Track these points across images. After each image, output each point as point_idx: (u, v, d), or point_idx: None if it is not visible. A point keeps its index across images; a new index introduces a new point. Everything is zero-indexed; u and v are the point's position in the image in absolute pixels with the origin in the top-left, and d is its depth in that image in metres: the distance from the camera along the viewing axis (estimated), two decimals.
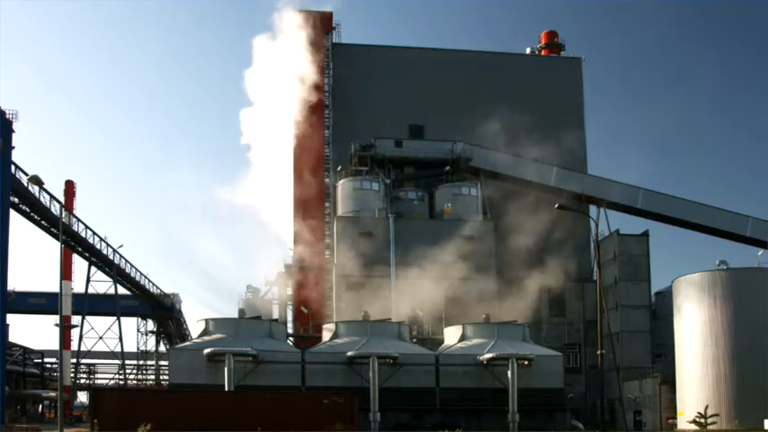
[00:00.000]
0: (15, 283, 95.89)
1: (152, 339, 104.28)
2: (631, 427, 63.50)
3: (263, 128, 76.42)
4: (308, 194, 70.56)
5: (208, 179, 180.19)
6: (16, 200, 56.66)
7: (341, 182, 70.95)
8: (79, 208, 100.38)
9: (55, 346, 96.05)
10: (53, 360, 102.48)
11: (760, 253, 60.15)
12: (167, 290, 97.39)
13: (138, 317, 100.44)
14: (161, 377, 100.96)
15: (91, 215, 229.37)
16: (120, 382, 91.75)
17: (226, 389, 45.93)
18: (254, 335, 51.72)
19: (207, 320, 53.08)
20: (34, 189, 56.47)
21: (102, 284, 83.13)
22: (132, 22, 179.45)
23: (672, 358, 60.49)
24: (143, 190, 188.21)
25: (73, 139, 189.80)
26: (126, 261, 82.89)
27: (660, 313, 73.78)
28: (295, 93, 73.75)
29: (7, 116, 53.04)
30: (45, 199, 59.12)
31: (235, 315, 57.94)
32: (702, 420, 26.61)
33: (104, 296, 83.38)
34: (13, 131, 53.22)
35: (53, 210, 59.98)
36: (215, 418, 37.33)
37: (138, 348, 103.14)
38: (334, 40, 78.50)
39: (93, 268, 79.63)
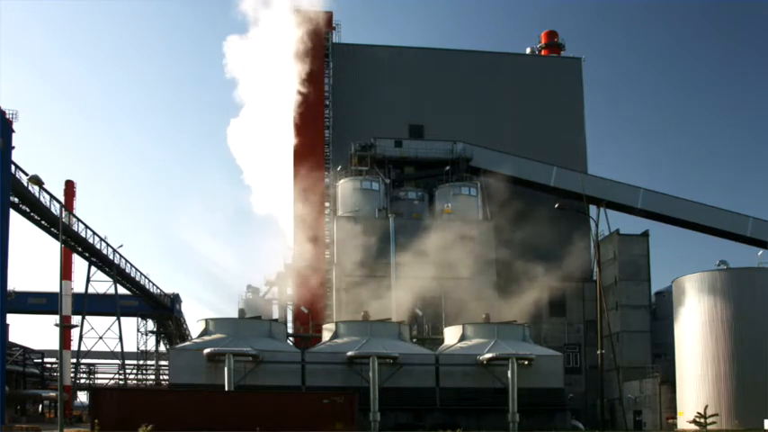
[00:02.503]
0: (15, 283, 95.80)
1: (152, 339, 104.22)
2: (631, 427, 63.49)
3: (262, 128, 76.42)
4: (309, 195, 70.52)
5: (208, 179, 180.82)
6: (16, 200, 56.59)
7: (341, 182, 70.95)
8: (79, 208, 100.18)
9: (55, 346, 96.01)
10: (53, 360, 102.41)
11: (760, 253, 60.13)
12: (167, 290, 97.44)
13: (138, 317, 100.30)
14: (161, 377, 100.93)
15: (91, 215, 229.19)
16: (120, 382, 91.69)
17: (226, 389, 45.94)
18: (254, 335, 51.73)
19: (207, 320, 53.10)
20: (34, 189, 56.40)
21: (102, 284, 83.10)
22: (132, 22, 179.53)
23: (672, 358, 60.48)
24: (143, 190, 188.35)
25: (73, 139, 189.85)
26: (126, 261, 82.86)
27: (660, 313, 73.75)
28: (294, 94, 73.73)
29: (7, 116, 52.97)
30: (45, 199, 59.06)
31: (235, 315, 57.94)
32: (702, 420, 26.59)
33: (104, 296, 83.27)
34: (13, 131, 53.14)
35: (53, 210, 59.91)
36: (215, 418, 37.36)
37: (138, 348, 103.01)
38: (334, 40, 78.53)
39: (93, 268, 79.54)
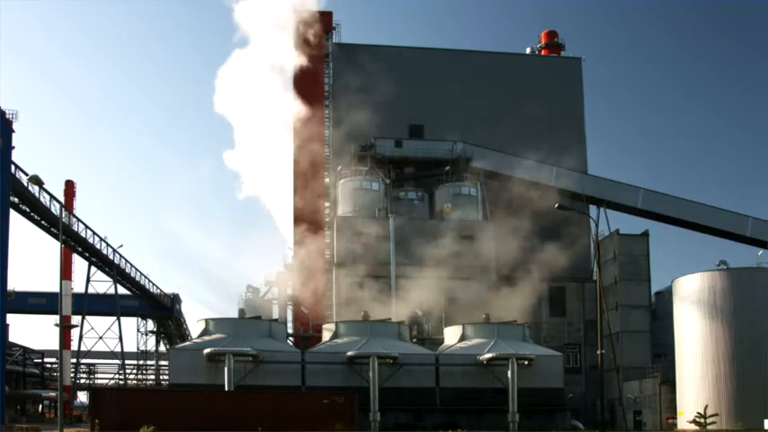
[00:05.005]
0: (15, 283, 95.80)
1: (152, 339, 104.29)
2: (631, 427, 63.49)
3: (262, 129, 76.41)
4: (309, 195, 70.52)
5: (208, 179, 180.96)
6: (16, 200, 56.61)
7: (341, 182, 70.92)
8: (79, 208, 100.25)
9: (55, 346, 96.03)
10: (53, 360, 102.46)
11: (760, 253, 60.11)
12: (167, 290, 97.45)
13: (138, 317, 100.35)
14: (161, 377, 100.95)
15: (91, 215, 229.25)
16: (120, 382, 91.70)
17: (226, 389, 45.94)
18: (254, 335, 51.74)
19: (207, 320, 53.11)
20: (34, 189, 56.43)
21: (102, 284, 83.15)
22: (132, 22, 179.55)
23: (672, 358, 60.47)
24: (143, 190, 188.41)
25: (73, 139, 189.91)
26: (126, 261, 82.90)
27: (660, 313, 73.74)
28: (293, 94, 73.71)
29: (7, 116, 52.99)
30: (45, 199, 59.08)
31: (235, 315, 57.96)
32: (702, 420, 26.61)
33: (104, 296, 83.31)
34: (13, 131, 53.17)
35: (53, 210, 59.93)
36: (215, 418, 37.36)
37: (138, 348, 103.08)
38: (334, 41, 78.53)
39: (93, 268, 79.57)
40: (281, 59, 73.66)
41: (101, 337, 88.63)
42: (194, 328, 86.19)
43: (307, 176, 72.55)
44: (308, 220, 69.33)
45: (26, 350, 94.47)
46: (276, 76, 74.99)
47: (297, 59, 73.52)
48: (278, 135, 76.46)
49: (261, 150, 76.40)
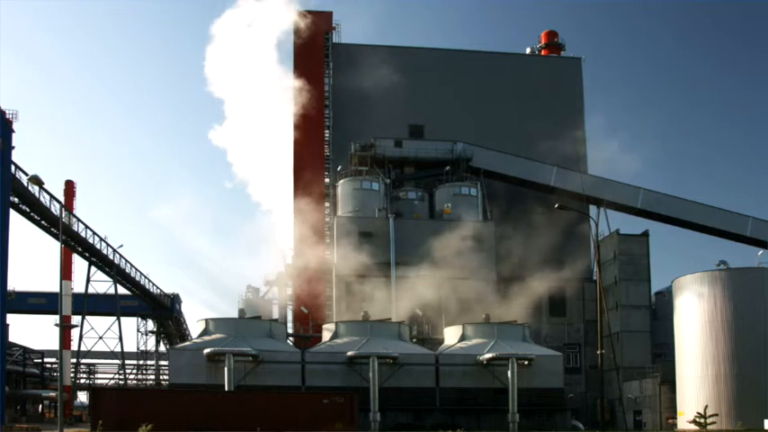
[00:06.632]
0: (15, 283, 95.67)
1: (152, 339, 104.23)
2: (631, 427, 63.50)
3: (262, 130, 76.48)
4: (309, 195, 70.57)
5: (209, 180, 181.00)
6: (16, 200, 56.54)
7: (341, 182, 70.94)
8: (79, 208, 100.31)
9: (55, 346, 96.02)
10: (53, 360, 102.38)
11: (760, 253, 60.12)
12: (167, 290, 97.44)
13: (138, 317, 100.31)
14: (161, 377, 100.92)
15: (91, 215, 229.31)
16: (120, 382, 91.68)
17: (226, 389, 45.96)
18: (254, 335, 51.78)
19: (207, 320, 53.15)
20: (34, 189, 56.35)
21: (102, 284, 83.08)
22: (132, 21, 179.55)
23: (672, 358, 60.48)
24: (143, 190, 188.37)
25: (73, 139, 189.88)
26: (126, 261, 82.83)
27: (660, 313, 73.75)
28: (294, 94, 73.80)
29: (7, 116, 52.91)
30: (45, 199, 59.00)
31: (235, 315, 57.95)
32: (702, 420, 26.56)
33: (104, 296, 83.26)
34: (13, 131, 53.09)
35: (53, 210, 59.88)
36: (215, 418, 37.34)
37: (138, 348, 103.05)
38: (333, 40, 78.56)
39: (93, 268, 79.50)
40: (282, 57, 73.91)
41: (101, 337, 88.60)
42: (194, 328, 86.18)
43: (307, 176, 72.62)
44: (308, 219, 69.35)
45: (26, 350, 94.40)
46: (276, 78, 75.24)
47: (297, 62, 73.59)
48: (278, 134, 76.62)
49: (262, 152, 76.58)
